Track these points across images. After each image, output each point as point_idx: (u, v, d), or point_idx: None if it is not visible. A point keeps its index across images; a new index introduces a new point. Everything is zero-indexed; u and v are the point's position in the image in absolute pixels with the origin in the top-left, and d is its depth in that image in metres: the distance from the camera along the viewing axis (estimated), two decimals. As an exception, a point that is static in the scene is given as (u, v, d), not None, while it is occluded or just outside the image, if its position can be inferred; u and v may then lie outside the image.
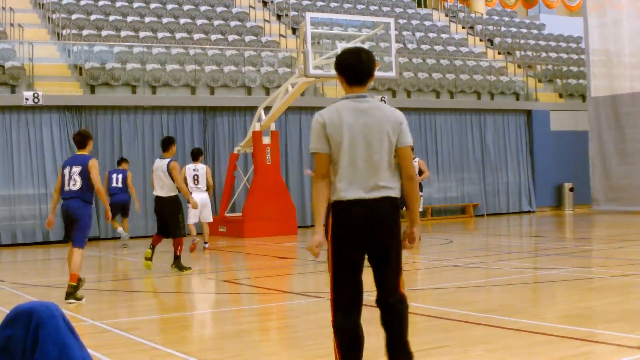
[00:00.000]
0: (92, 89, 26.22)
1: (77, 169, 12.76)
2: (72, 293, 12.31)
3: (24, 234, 24.58)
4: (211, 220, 20.90)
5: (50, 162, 24.88)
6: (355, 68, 6.46)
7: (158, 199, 16.26)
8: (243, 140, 26.14)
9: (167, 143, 16.49)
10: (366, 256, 6.46)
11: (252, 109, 26.65)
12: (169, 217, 15.99)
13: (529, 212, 32.96)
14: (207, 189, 20.74)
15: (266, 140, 24.76)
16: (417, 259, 18.05)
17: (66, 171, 12.84)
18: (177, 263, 15.78)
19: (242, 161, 26.40)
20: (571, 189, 33.72)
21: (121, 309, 12.55)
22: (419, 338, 9.09)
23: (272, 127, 24.87)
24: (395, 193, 6.34)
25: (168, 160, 16.08)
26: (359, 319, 6.66)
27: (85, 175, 12.69)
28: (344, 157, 6.24)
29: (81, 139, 13.14)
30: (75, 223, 12.59)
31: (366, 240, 6.34)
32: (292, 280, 15.71)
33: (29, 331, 5.09)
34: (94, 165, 12.79)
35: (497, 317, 9.96)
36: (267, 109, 24.81)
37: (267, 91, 28.56)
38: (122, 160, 23.23)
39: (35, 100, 24.35)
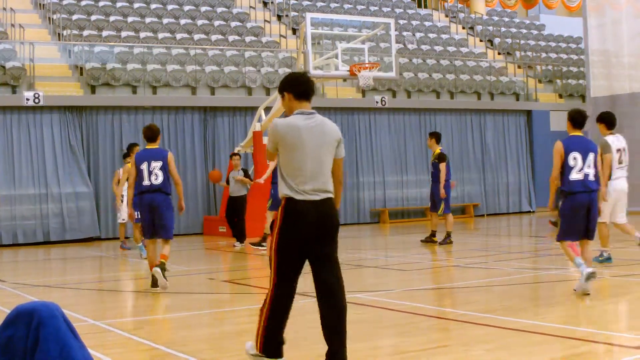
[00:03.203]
0: (93, 89, 26.24)
1: (157, 164, 13.57)
2: (163, 268, 13.19)
3: (24, 234, 24.59)
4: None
5: (51, 162, 24.91)
6: (305, 85, 7.57)
7: None
8: (243, 140, 26.15)
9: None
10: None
11: (253, 109, 26.67)
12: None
13: (529, 212, 32.97)
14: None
15: (266, 140, 24.73)
16: (417, 259, 18.08)
17: (144, 166, 13.58)
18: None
19: (243, 161, 26.41)
20: (571, 189, 33.70)
21: (122, 309, 12.57)
22: (418, 338, 9.11)
23: (272, 127, 24.85)
24: (332, 195, 7.50)
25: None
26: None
27: (165, 168, 13.56)
28: (294, 163, 7.33)
29: (152, 134, 13.92)
30: (162, 216, 13.45)
31: (312, 234, 7.35)
32: (292, 281, 15.71)
33: (29, 331, 5.10)
34: (172, 158, 13.74)
35: (497, 317, 9.98)
36: (268, 109, 24.82)
37: (268, 91, 28.59)
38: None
39: (36, 100, 24.38)
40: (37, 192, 24.75)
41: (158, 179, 13.52)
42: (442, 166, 20.22)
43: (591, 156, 11.62)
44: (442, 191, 20.17)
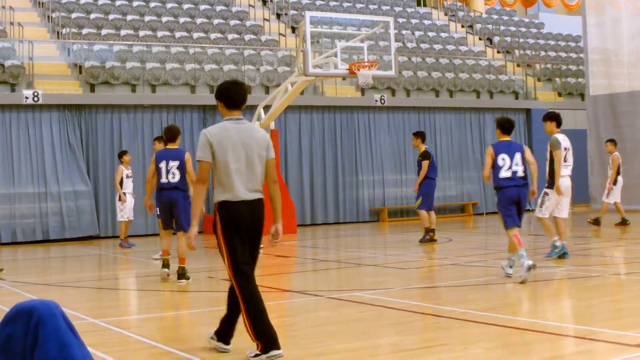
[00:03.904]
0: (92, 88, 26.25)
1: (174, 163, 14.51)
2: (182, 274, 14.02)
3: (23, 233, 24.60)
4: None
5: (50, 161, 24.92)
6: (234, 96, 8.18)
7: None
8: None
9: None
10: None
11: (252, 108, 26.62)
12: None
13: (527, 210, 32.93)
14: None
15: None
16: (416, 257, 18.10)
17: (162, 165, 14.52)
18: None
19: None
20: (570, 188, 33.78)
21: (121, 307, 12.58)
22: (417, 336, 9.12)
23: (272, 125, 24.87)
24: (262, 195, 8.27)
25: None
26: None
27: (183, 167, 14.50)
28: (229, 166, 7.96)
29: (172, 135, 14.73)
30: (178, 211, 14.39)
31: (248, 231, 8.09)
32: (291, 279, 15.74)
33: (29, 329, 5.10)
34: (188, 158, 14.54)
35: (496, 316, 9.98)
36: (267, 108, 24.82)
37: (267, 90, 28.61)
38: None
39: (35, 99, 24.39)
40: (36, 191, 24.76)
41: (175, 177, 14.51)
42: (425, 164, 20.58)
43: (518, 155, 13.40)
44: (417, 187, 20.67)
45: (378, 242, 23.60)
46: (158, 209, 14.98)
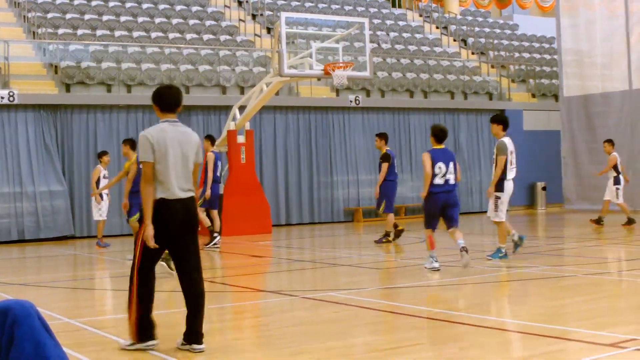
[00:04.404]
0: (68, 88, 26.19)
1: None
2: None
3: (-2, 233, 24.52)
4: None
5: (26, 161, 24.81)
6: (168, 100, 8.82)
7: None
8: (218, 139, 26.16)
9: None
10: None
11: (227, 108, 26.68)
12: None
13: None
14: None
15: (241, 139, 24.80)
16: (391, 257, 18.17)
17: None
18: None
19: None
20: (544, 188, 33.96)
21: (96, 307, 12.58)
22: (392, 336, 9.18)
23: (247, 126, 24.91)
24: (194, 193, 8.59)
25: None
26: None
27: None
28: (168, 165, 8.33)
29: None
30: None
31: (181, 228, 8.37)
32: (266, 279, 15.77)
33: (4, 329, 5.13)
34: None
35: (470, 315, 10.05)
36: (242, 108, 24.85)
37: (242, 90, 28.61)
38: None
39: (11, 98, 24.30)
40: (11, 191, 24.64)
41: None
42: (384, 166, 20.72)
43: (451, 164, 14.48)
44: (377, 190, 20.81)
45: (353, 242, 23.66)
46: None
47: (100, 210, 22.32)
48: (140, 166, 8.85)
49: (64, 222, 25.10)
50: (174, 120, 8.71)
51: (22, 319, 5.19)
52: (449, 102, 33.04)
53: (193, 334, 8.35)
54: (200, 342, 8.32)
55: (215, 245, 20.27)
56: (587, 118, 32.04)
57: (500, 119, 16.21)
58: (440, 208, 14.56)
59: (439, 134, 14.58)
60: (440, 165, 14.36)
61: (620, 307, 10.73)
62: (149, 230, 8.18)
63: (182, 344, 8.41)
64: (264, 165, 28.40)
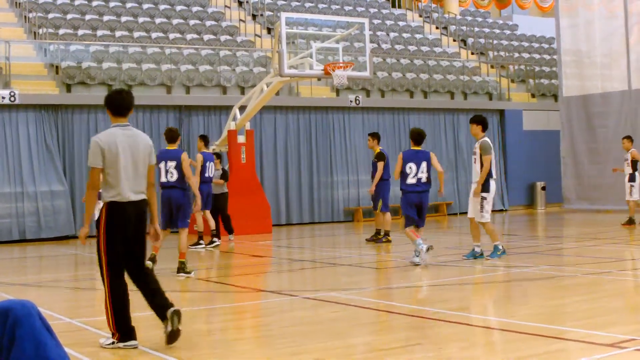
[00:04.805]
0: (68, 88, 26.21)
1: (172, 163, 15.48)
2: (182, 268, 14.90)
3: (0, 233, 24.50)
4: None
5: (27, 161, 24.82)
6: (119, 105, 8.83)
7: None
8: (218, 139, 26.18)
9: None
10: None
11: (228, 108, 26.70)
12: None
13: (501, 210, 33.12)
14: None
15: (241, 139, 24.82)
16: (390, 257, 18.18)
17: (162, 165, 15.45)
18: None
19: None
20: (543, 188, 33.97)
21: (97, 307, 12.59)
22: (392, 336, 9.20)
23: (247, 126, 24.93)
24: (146, 196, 8.85)
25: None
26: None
27: (180, 167, 15.42)
28: (119, 169, 8.57)
29: (171, 136, 15.80)
30: (178, 208, 15.37)
31: (133, 229, 8.64)
32: (266, 279, 15.78)
33: (5, 329, 5.15)
34: (185, 158, 15.48)
35: (470, 315, 10.08)
36: (242, 108, 24.87)
37: (242, 90, 28.63)
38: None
39: (12, 99, 24.32)
40: (12, 191, 24.64)
41: (173, 176, 15.53)
42: (380, 165, 20.64)
43: (424, 164, 15.59)
44: (372, 189, 20.76)
45: (353, 242, 23.66)
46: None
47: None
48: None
49: (65, 222, 25.12)
50: (125, 124, 8.86)
51: (23, 319, 5.20)
52: (448, 102, 33.06)
53: (159, 308, 8.71)
54: (170, 306, 8.64)
55: (214, 244, 20.41)
56: (587, 118, 32.06)
57: (480, 119, 16.29)
58: (416, 205, 15.66)
59: (416, 137, 15.82)
60: (411, 165, 15.53)
61: (620, 307, 10.73)
62: (83, 231, 8.79)
63: (164, 323, 8.63)
64: (264, 165, 28.41)
